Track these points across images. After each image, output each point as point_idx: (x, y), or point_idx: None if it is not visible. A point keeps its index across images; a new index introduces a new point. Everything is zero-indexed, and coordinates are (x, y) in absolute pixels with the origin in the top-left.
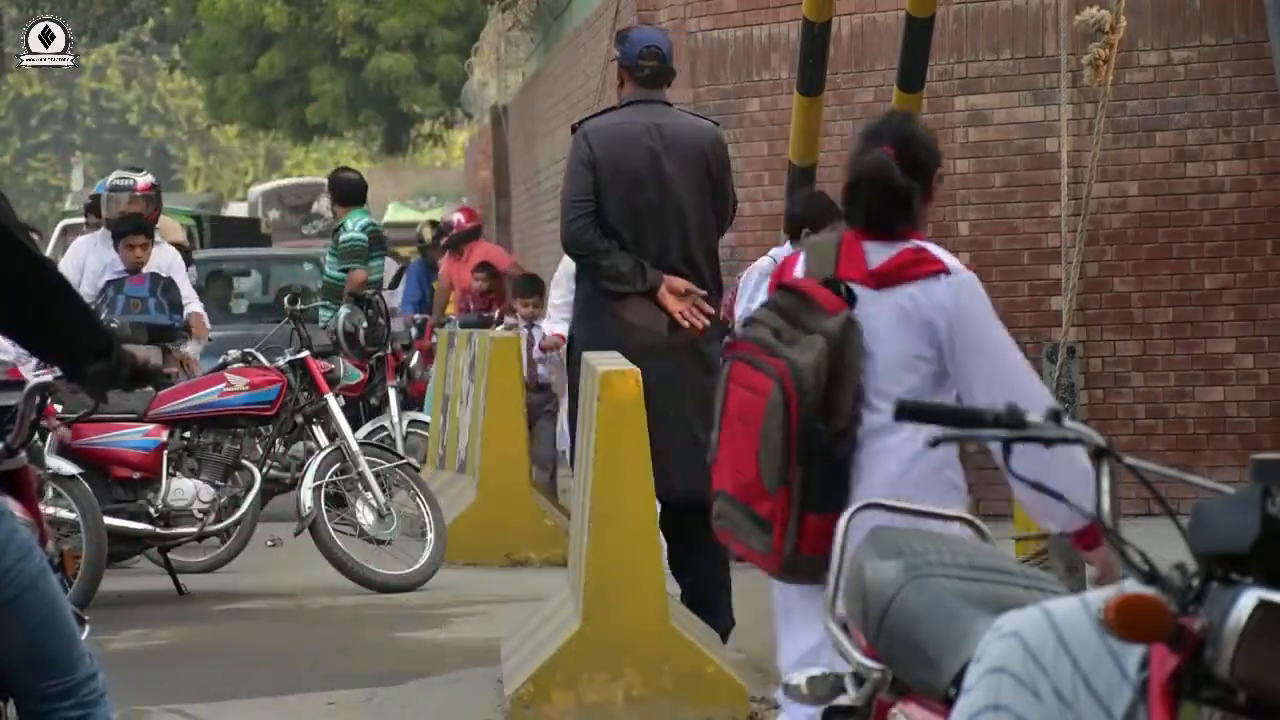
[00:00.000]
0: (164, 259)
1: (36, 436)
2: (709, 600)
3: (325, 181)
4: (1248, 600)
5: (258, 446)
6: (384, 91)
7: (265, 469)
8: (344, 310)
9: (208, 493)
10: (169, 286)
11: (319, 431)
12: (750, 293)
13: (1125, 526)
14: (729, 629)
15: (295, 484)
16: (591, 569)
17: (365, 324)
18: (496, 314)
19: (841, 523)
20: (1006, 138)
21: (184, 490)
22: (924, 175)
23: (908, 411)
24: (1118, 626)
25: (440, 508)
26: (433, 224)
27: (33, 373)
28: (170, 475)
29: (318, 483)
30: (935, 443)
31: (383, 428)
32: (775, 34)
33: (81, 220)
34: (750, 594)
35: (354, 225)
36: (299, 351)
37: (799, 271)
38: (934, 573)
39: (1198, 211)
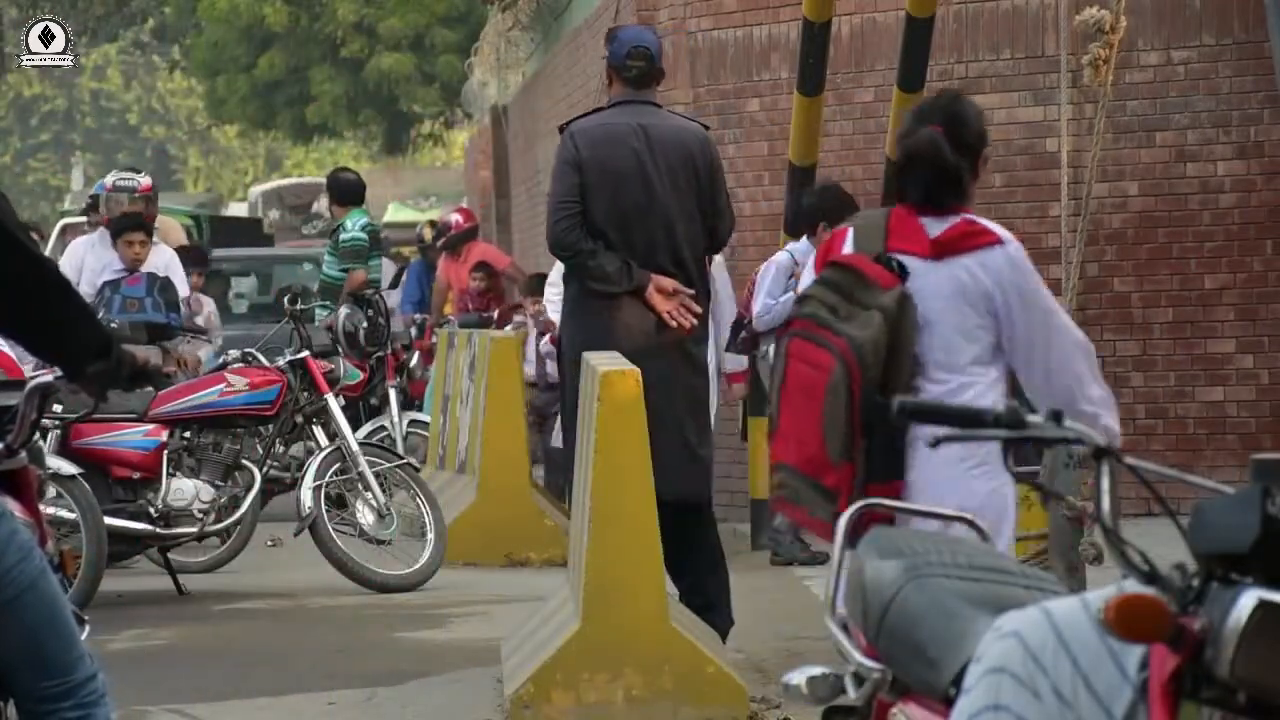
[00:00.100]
0: (161, 260)
1: (37, 436)
2: (708, 600)
3: (324, 181)
4: (1248, 600)
5: (258, 446)
6: (384, 91)
7: (265, 469)
8: (344, 310)
9: (208, 493)
10: (166, 286)
11: (319, 431)
12: (768, 287)
13: (1125, 526)
14: (728, 629)
15: (295, 484)
16: (591, 569)
17: (365, 324)
18: (496, 314)
19: (841, 522)
20: (1006, 138)
21: (184, 490)
22: (972, 155)
23: (908, 412)
24: (1118, 626)
25: (440, 508)
26: (432, 224)
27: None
28: (170, 475)
29: (318, 483)
30: (936, 443)
31: (383, 428)
32: (775, 34)
33: (83, 220)
34: (750, 594)
35: (354, 225)
36: (299, 351)
37: (848, 249)
38: (934, 573)
39: (1198, 211)
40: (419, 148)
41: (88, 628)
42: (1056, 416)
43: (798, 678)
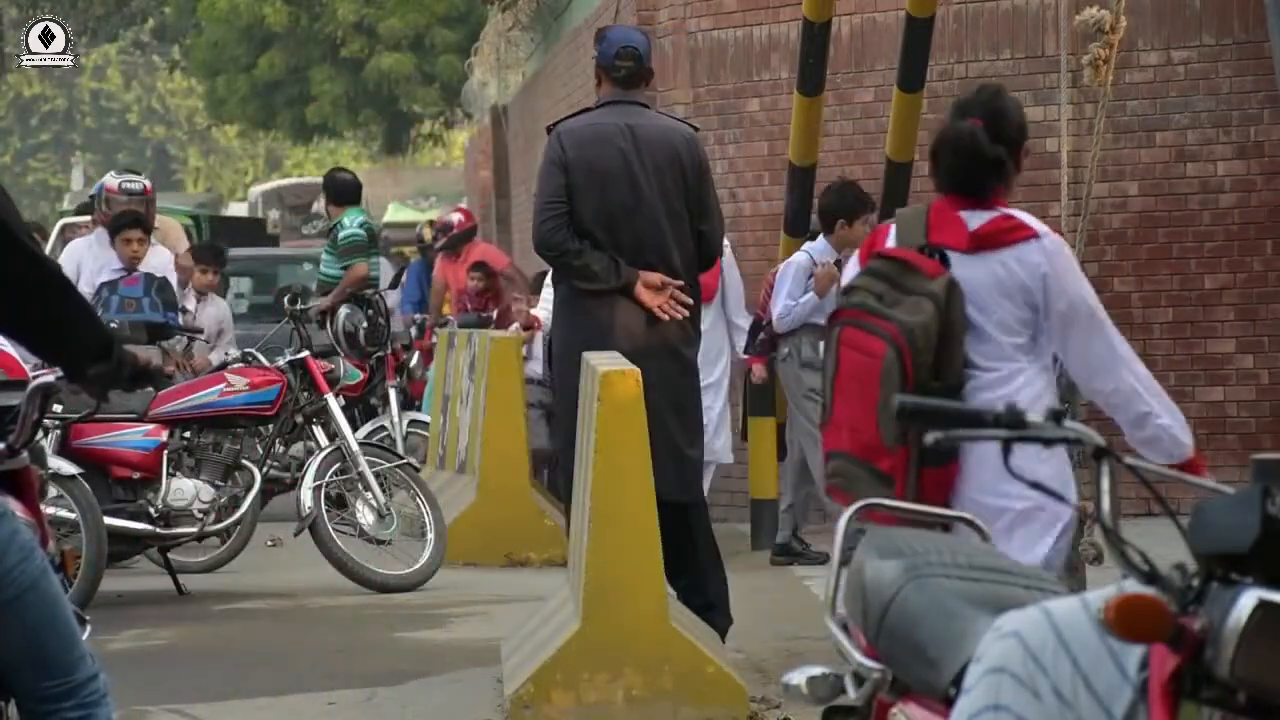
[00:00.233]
0: (158, 260)
1: (39, 436)
2: (708, 600)
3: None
4: (1248, 600)
5: (258, 446)
6: (384, 91)
7: (265, 469)
8: (344, 310)
9: (208, 493)
10: (164, 286)
11: (319, 431)
12: (788, 288)
13: (1125, 526)
14: (728, 628)
15: (295, 484)
16: (591, 569)
17: (365, 324)
18: (495, 314)
19: (841, 522)
20: None
21: (184, 490)
22: (1013, 148)
23: (908, 412)
24: (1118, 626)
25: (440, 508)
26: (431, 224)
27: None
28: (170, 475)
29: (318, 483)
30: (935, 443)
31: (383, 428)
32: (775, 34)
33: (83, 220)
34: (750, 594)
35: (351, 222)
36: (299, 351)
37: (891, 243)
38: (934, 573)
39: (1198, 211)
40: (419, 148)
41: (89, 628)
42: (1056, 416)
43: (798, 678)
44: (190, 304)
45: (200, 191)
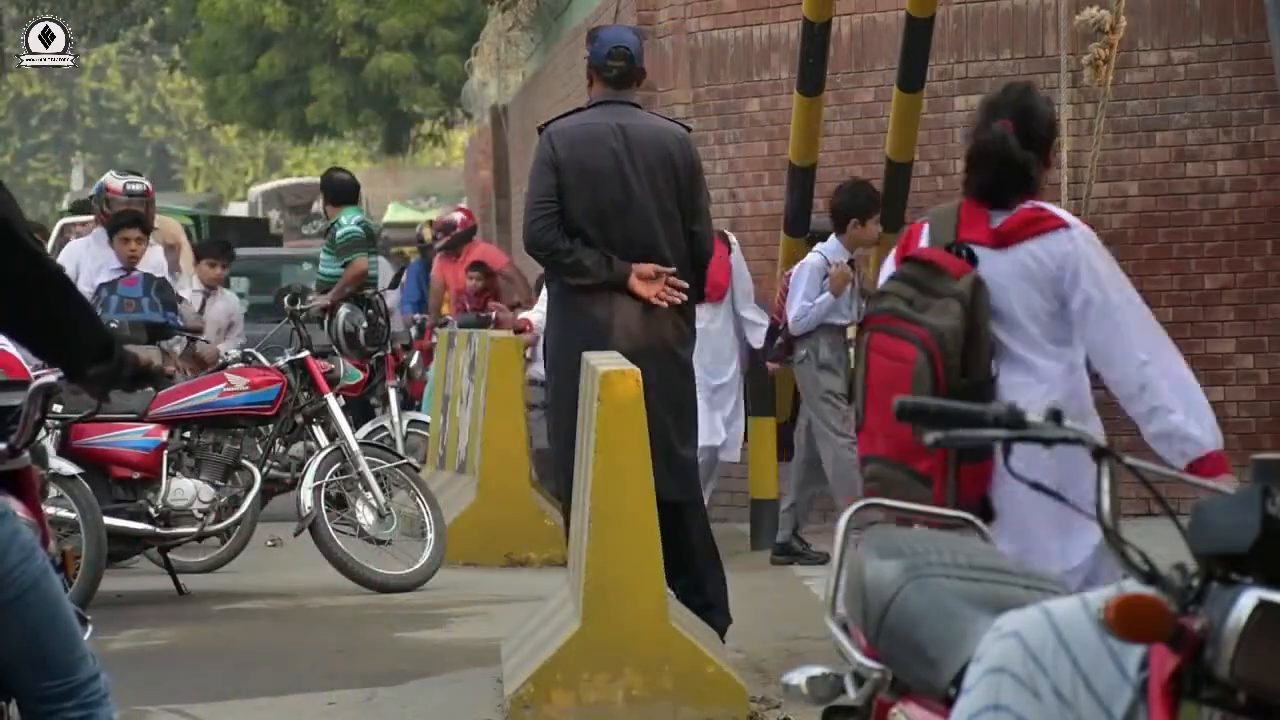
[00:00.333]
0: (156, 260)
1: (41, 436)
2: (707, 599)
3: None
4: (1248, 600)
5: (258, 446)
6: (384, 91)
7: (265, 469)
8: (344, 310)
9: (208, 493)
10: (162, 286)
11: (319, 431)
12: (804, 289)
13: (1125, 526)
14: (727, 627)
15: (295, 484)
16: (591, 569)
17: (365, 324)
18: (494, 314)
19: (841, 522)
20: None
21: (184, 490)
22: (1042, 146)
23: (908, 412)
24: (1118, 626)
25: (440, 508)
26: (431, 224)
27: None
28: (170, 475)
29: (318, 483)
30: (935, 443)
31: (383, 428)
32: (775, 34)
33: (83, 220)
34: (750, 594)
35: (349, 221)
36: (299, 351)
37: (923, 242)
38: (934, 573)
39: (1198, 211)
40: (419, 148)
41: (90, 627)
42: (1056, 416)
43: (798, 678)
44: (185, 292)
45: (200, 191)
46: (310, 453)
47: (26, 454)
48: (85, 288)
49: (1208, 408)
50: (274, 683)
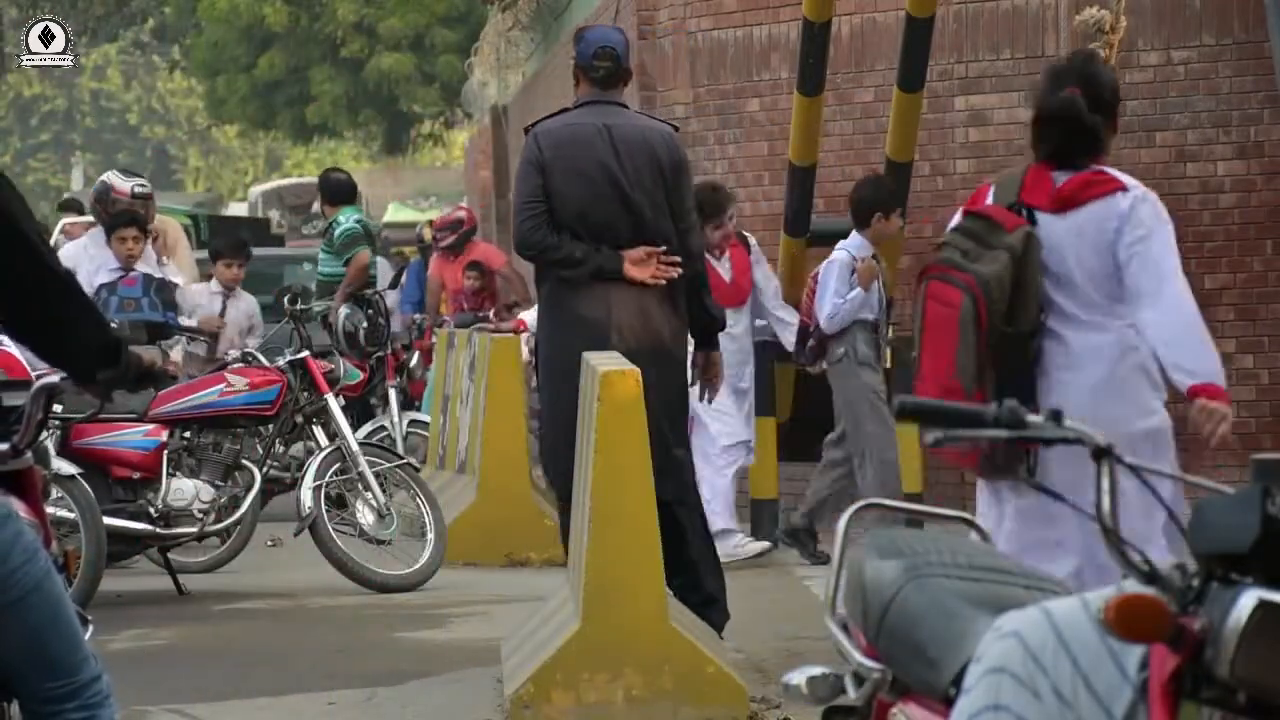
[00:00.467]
0: (152, 260)
1: (43, 436)
2: (705, 596)
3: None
4: (1248, 600)
5: (258, 446)
6: (384, 91)
7: (265, 469)
8: (344, 310)
9: (208, 493)
10: (162, 286)
11: (319, 431)
12: (835, 286)
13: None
14: (725, 623)
15: (295, 484)
16: (591, 569)
17: (365, 324)
18: (492, 314)
19: (841, 522)
20: (1006, 138)
21: (184, 490)
22: (1108, 110)
23: (908, 411)
24: (1118, 626)
25: (440, 508)
26: (431, 224)
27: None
28: (170, 475)
29: (318, 483)
30: (935, 443)
31: (383, 428)
32: (775, 34)
33: (82, 219)
34: (750, 594)
35: (347, 219)
36: (299, 351)
37: (988, 200)
38: (934, 573)
39: (1198, 211)
40: (419, 148)
41: (91, 627)
42: (1056, 416)
43: (798, 678)
44: (180, 279)
45: (200, 191)
46: (310, 453)
47: (29, 454)
48: (85, 288)
49: (1208, 345)
50: (274, 683)
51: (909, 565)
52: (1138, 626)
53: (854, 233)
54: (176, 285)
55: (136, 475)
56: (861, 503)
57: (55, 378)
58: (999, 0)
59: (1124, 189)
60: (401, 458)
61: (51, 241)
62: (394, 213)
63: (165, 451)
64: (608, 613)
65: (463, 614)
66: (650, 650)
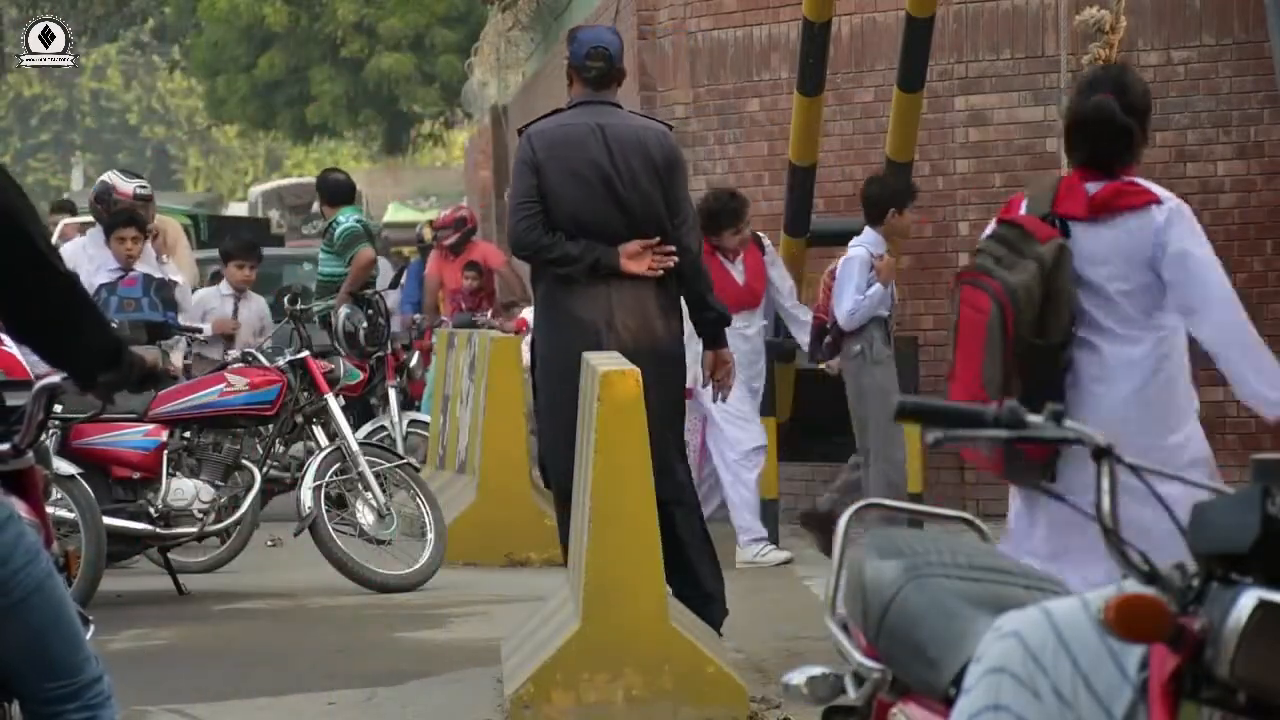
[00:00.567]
0: (152, 260)
1: (44, 436)
2: (704, 592)
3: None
4: (1248, 600)
5: (258, 446)
6: (384, 91)
7: (265, 469)
8: (344, 310)
9: (208, 493)
10: (161, 286)
11: (319, 431)
12: (857, 283)
13: None
14: (723, 619)
15: (295, 484)
16: (591, 569)
17: (365, 324)
18: (489, 313)
19: (841, 522)
20: (1006, 138)
21: (184, 490)
22: (1140, 117)
23: (908, 411)
24: (1118, 626)
25: (440, 508)
26: (431, 224)
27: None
28: (170, 475)
29: (318, 483)
30: (935, 443)
31: (383, 428)
32: (775, 34)
33: (77, 220)
34: (750, 594)
35: (347, 219)
36: (299, 351)
37: (1022, 210)
38: (934, 573)
39: (1198, 212)
40: (419, 148)
41: (92, 627)
42: (1056, 416)
43: (798, 678)
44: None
45: (200, 191)
46: (310, 453)
47: (30, 454)
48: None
49: (1275, 366)
50: (274, 683)
51: (909, 565)
52: (1138, 626)
53: (867, 229)
54: (176, 283)
55: (136, 475)
56: (861, 502)
57: (56, 378)
58: (999, 0)
59: (1159, 201)
60: (401, 458)
61: (52, 240)
62: (394, 213)
63: (165, 451)
64: (608, 613)
65: (463, 614)
66: (650, 650)
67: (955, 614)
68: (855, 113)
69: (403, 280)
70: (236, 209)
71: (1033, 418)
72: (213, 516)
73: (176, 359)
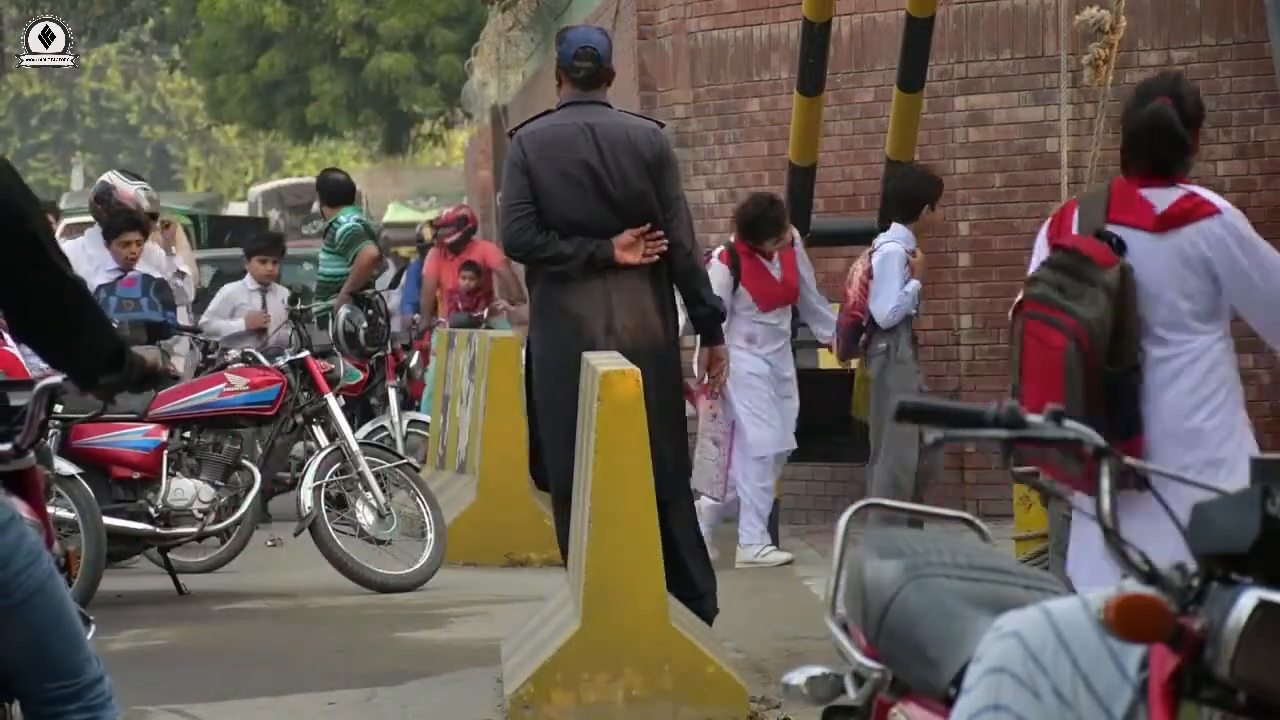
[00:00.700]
0: (153, 259)
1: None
2: (697, 589)
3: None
4: (1248, 600)
5: (258, 446)
6: (384, 91)
7: (265, 469)
8: (344, 310)
9: (208, 493)
10: (161, 286)
11: (319, 431)
12: (897, 280)
13: None
14: (714, 615)
15: (295, 484)
16: (591, 569)
17: (365, 324)
18: (486, 313)
19: (842, 522)
20: (1006, 138)
21: (184, 490)
22: (1193, 126)
23: (908, 412)
24: (1118, 626)
25: (440, 508)
26: (433, 223)
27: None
28: (170, 475)
29: (318, 483)
30: (936, 443)
31: (383, 428)
32: (775, 34)
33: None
34: (750, 594)
35: (347, 219)
36: (299, 351)
37: (1074, 224)
38: (934, 573)
39: None
40: (419, 148)
41: (93, 627)
42: (1056, 417)
43: (798, 678)
44: (187, 269)
45: (200, 191)
46: (310, 453)
47: (31, 454)
48: None
49: None
50: (274, 683)
51: (909, 565)
52: (1138, 626)
53: (896, 225)
54: (181, 277)
55: (136, 475)
56: (862, 502)
57: (57, 378)
58: (999, 0)
59: (1218, 212)
60: (401, 458)
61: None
62: (394, 213)
63: (165, 451)
64: (608, 613)
65: (463, 614)
66: (650, 650)
67: (955, 614)
68: (855, 113)
69: (403, 280)
70: (236, 209)
71: (1032, 418)
72: (213, 516)
73: (177, 363)
